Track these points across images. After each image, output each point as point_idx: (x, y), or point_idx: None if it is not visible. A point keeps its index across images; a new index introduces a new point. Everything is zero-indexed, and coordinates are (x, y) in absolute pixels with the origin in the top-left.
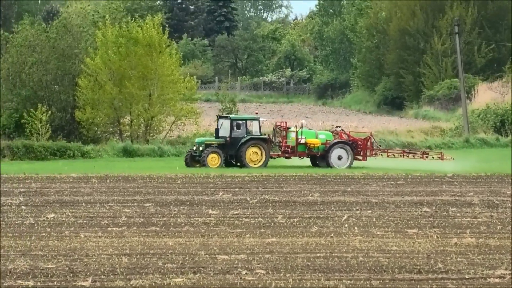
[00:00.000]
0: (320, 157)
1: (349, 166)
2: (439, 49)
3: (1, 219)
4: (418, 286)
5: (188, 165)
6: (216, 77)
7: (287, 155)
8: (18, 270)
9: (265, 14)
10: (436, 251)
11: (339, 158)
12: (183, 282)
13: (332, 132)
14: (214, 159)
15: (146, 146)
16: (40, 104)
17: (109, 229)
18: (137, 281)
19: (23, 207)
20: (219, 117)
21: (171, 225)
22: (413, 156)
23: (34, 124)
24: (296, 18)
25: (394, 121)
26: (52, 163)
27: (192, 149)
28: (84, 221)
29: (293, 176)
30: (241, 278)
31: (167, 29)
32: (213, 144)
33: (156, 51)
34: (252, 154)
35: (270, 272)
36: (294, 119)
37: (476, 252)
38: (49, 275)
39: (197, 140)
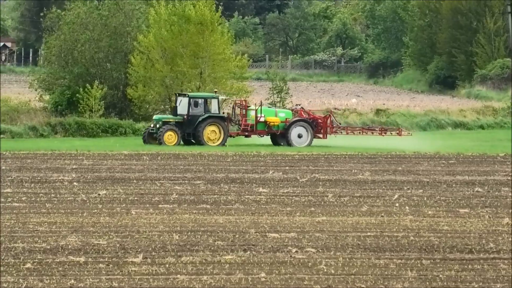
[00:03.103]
0: (280, 135)
1: (309, 145)
2: (491, 29)
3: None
4: (470, 266)
5: (145, 142)
6: (267, 55)
7: (246, 133)
8: (69, 246)
9: None
10: (487, 231)
11: (299, 136)
12: (233, 260)
13: (292, 110)
14: (171, 137)
15: None
16: (97, 81)
17: (160, 206)
18: (188, 258)
19: (75, 183)
20: (178, 94)
21: (222, 203)
22: (372, 133)
23: (88, 101)
24: None
25: (446, 100)
26: (103, 140)
27: (150, 126)
28: (135, 198)
29: (343, 155)
30: (291, 256)
31: (220, 7)
32: (170, 121)
33: (208, 29)
34: (210, 132)
35: (320, 250)
36: (345, 97)
37: None
38: (101, 251)
39: (154, 117)
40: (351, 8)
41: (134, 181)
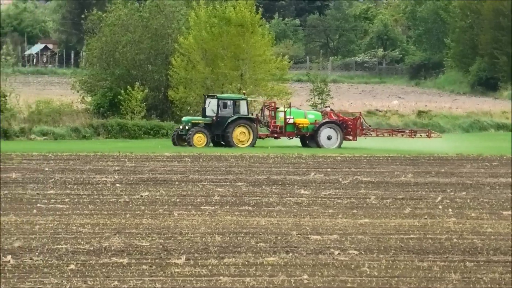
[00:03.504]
0: (309, 137)
1: (339, 146)
2: None
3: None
4: None
5: (175, 143)
6: (307, 57)
7: (275, 135)
8: (113, 248)
9: None
10: None
11: (329, 138)
12: (275, 261)
13: (322, 112)
14: (200, 139)
15: None
16: (138, 83)
17: (202, 207)
18: (230, 259)
19: (117, 185)
20: (206, 96)
21: (263, 205)
22: (402, 135)
23: (130, 103)
24: None
25: (488, 102)
26: (145, 141)
27: (179, 128)
28: (178, 200)
29: (385, 157)
30: (333, 258)
31: (261, 9)
32: (199, 123)
33: (248, 31)
34: (240, 134)
35: (363, 252)
36: (387, 99)
37: None
38: (143, 253)
39: (183, 119)
40: (392, 9)
41: (176, 182)
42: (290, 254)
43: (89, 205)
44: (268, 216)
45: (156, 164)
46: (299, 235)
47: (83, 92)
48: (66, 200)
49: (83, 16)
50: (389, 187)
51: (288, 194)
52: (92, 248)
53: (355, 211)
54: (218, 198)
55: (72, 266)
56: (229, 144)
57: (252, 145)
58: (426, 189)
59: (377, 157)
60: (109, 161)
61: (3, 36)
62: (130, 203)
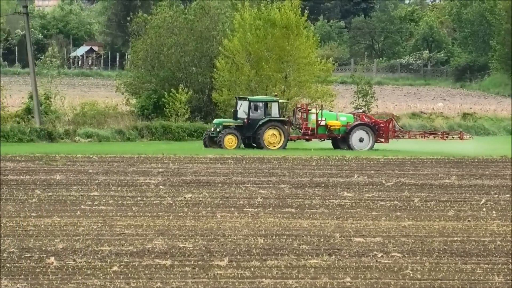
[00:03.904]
0: (341, 139)
1: (371, 149)
2: None
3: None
4: None
5: (206, 145)
6: (352, 59)
7: (307, 137)
8: (156, 249)
9: None
10: None
11: (360, 140)
12: (318, 264)
13: (354, 114)
14: (231, 140)
15: None
16: (181, 85)
17: (245, 209)
18: (273, 261)
19: (161, 187)
20: (238, 98)
21: (306, 207)
22: (434, 137)
23: (174, 105)
24: (434, 0)
25: None
26: (189, 143)
27: (210, 130)
28: (221, 202)
29: (429, 159)
30: (376, 260)
31: (306, 11)
32: (230, 125)
33: (293, 33)
34: (271, 136)
35: (406, 255)
36: (431, 101)
37: None
38: (186, 255)
39: (215, 121)
40: (437, 11)
41: (219, 184)
42: (333, 256)
43: (132, 207)
44: (311, 218)
45: (199, 166)
46: (342, 238)
47: (127, 94)
48: (110, 201)
49: (128, 18)
50: (433, 189)
51: (331, 196)
52: (135, 250)
53: (398, 213)
54: (261, 200)
55: (115, 268)
56: (260, 146)
57: (283, 147)
58: (470, 192)
59: (421, 159)
60: (153, 163)
61: (48, 38)
62: (173, 205)
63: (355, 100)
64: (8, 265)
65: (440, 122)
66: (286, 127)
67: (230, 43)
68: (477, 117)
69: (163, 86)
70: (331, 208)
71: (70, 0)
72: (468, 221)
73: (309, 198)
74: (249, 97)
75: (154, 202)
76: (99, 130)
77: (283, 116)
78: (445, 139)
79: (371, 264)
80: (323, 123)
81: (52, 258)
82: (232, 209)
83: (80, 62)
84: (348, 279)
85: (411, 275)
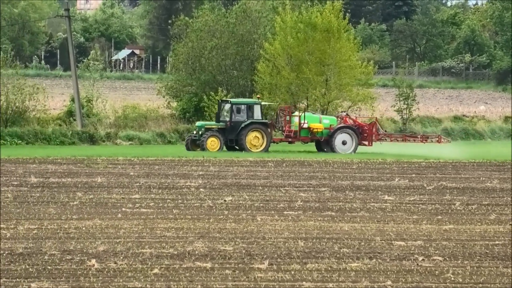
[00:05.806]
0: (324, 142)
1: (354, 152)
2: None
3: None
4: None
5: (188, 148)
6: (393, 62)
7: (290, 139)
8: (196, 252)
9: None
10: None
11: (343, 143)
12: (359, 267)
13: (337, 117)
14: (213, 143)
15: None
16: (220, 88)
17: (285, 213)
18: (313, 265)
19: (201, 189)
20: (221, 101)
21: (347, 210)
22: (414, 140)
23: (214, 108)
24: (476, 3)
25: None
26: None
27: (193, 133)
28: (261, 205)
29: (471, 163)
30: (417, 264)
31: (347, 14)
32: (213, 128)
33: (334, 36)
34: (253, 138)
35: (447, 259)
36: (473, 105)
37: None
38: (227, 257)
39: (197, 123)
40: (479, 14)
41: (260, 187)
42: (374, 260)
43: (173, 210)
44: (351, 221)
45: (239, 169)
46: (383, 241)
47: (169, 97)
48: (151, 204)
49: (169, 21)
50: (475, 193)
51: (372, 200)
52: (176, 252)
53: (439, 217)
54: (301, 203)
55: (156, 270)
56: (242, 148)
57: (266, 149)
58: None
59: (463, 163)
60: (193, 165)
61: (90, 41)
62: (213, 207)
63: (396, 103)
64: (49, 267)
65: (482, 126)
66: (269, 129)
67: (271, 46)
68: None
69: (204, 89)
70: (372, 211)
71: (112, 3)
72: (510, 224)
73: (349, 202)
74: (231, 99)
75: (195, 205)
76: (140, 133)
77: (266, 119)
78: (424, 143)
79: (412, 267)
80: (306, 125)
81: (93, 261)
82: (272, 212)
83: (121, 65)
84: (389, 282)
85: (452, 279)
